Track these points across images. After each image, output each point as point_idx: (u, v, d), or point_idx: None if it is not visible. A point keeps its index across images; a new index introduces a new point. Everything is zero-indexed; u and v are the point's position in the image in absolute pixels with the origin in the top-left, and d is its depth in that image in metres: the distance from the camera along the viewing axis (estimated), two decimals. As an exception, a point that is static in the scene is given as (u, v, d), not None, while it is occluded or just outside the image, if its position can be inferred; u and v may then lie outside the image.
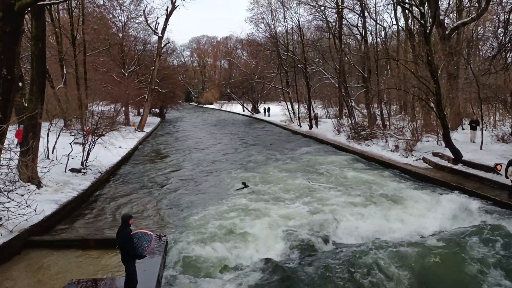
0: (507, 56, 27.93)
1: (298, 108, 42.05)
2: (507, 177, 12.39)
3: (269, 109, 55.14)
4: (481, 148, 18.43)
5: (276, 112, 51.98)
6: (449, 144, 17.64)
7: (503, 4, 27.05)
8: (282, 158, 23.27)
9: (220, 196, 15.25)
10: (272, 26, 46.26)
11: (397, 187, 15.77)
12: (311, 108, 38.47)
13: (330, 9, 36.36)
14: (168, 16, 39.56)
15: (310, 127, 37.15)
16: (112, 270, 8.98)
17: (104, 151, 19.80)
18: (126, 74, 41.83)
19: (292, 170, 19.75)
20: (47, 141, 17.77)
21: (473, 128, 19.97)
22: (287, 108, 45.73)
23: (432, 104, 19.60)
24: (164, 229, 11.81)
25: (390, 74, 35.68)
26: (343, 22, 36.17)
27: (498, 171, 12.86)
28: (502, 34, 27.04)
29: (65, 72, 29.23)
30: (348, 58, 37.37)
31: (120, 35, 43.30)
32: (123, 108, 39.21)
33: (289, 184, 16.67)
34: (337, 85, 36.59)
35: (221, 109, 74.49)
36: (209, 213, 12.95)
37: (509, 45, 26.60)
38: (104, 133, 19.68)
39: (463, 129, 23.74)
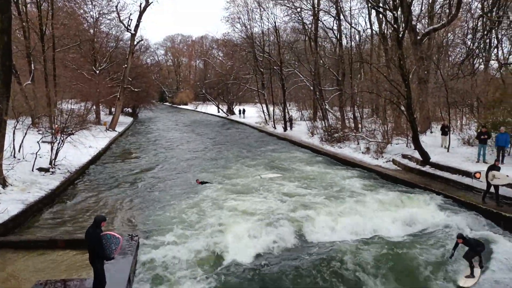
0: (474, 62, 29.07)
1: (273, 110, 42.25)
2: (487, 182, 12.75)
3: (244, 110, 55.05)
4: (448, 151, 19.04)
5: (252, 113, 51.99)
6: (418, 146, 18.14)
7: (472, 12, 28.17)
8: (253, 157, 23.51)
9: (190, 193, 15.21)
10: (249, 27, 46.24)
11: (365, 187, 16.03)
12: (286, 110, 38.72)
13: (306, 11, 36.73)
14: (141, 12, 38.76)
15: (285, 129, 37.38)
16: (81, 271, 8.73)
17: (73, 150, 19.26)
18: (98, 71, 40.75)
19: (258, 165, 20.51)
20: (13, 139, 17.04)
21: (445, 133, 20.15)
22: (262, 110, 45.84)
23: (403, 108, 20.05)
24: (135, 229, 11.57)
25: (364, 77, 36.35)
26: (319, 24, 36.62)
27: (477, 178, 13.20)
28: (470, 40, 28.16)
29: (33, 68, 28.15)
30: (323, 61, 37.79)
31: (92, 31, 42.04)
32: (94, 107, 38.30)
33: (257, 181, 16.96)
34: (312, 88, 36.96)
35: (196, 110, 73.71)
36: (180, 211, 12.89)
37: (476, 51, 27.68)
38: (73, 131, 19.20)
39: (431, 132, 24.41)
